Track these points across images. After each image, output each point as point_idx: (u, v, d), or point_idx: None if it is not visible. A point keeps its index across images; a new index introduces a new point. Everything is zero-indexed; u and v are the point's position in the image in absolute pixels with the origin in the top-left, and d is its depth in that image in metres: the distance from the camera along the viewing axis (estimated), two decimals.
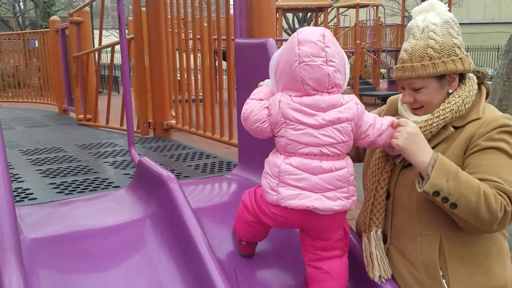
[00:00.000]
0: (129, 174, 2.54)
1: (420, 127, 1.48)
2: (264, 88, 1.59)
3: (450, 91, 1.51)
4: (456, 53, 1.47)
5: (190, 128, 3.46)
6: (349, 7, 19.49)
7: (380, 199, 1.57)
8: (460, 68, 1.48)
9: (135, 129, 4.03)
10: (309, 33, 1.40)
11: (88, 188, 2.30)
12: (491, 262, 1.49)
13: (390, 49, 18.35)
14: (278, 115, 1.41)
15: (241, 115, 1.52)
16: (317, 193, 1.41)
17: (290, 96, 1.41)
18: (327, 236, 1.52)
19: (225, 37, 3.13)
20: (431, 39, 1.48)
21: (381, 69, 17.94)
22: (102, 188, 2.29)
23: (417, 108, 1.56)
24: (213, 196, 2.26)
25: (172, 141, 3.64)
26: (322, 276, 1.53)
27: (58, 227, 1.81)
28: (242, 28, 2.39)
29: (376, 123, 1.47)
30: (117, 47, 3.50)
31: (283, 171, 1.42)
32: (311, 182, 1.41)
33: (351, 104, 1.43)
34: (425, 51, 1.47)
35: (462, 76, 1.53)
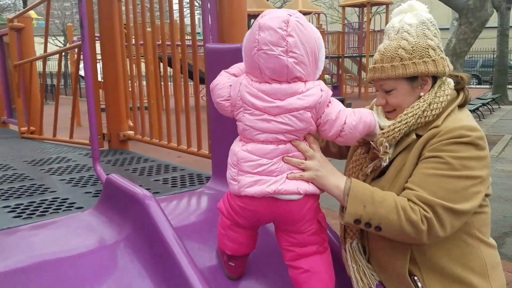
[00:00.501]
0: (91, 192, 2.32)
1: (383, 133, 1.45)
2: (243, 64, 1.48)
3: (422, 94, 1.46)
4: (429, 55, 1.43)
5: (152, 138, 3.26)
6: None
7: None
8: (432, 70, 1.43)
9: (85, 141, 3.77)
10: (271, 18, 1.30)
11: (48, 210, 2.05)
12: (471, 275, 1.43)
13: (332, 56, 18.76)
14: (237, 97, 1.37)
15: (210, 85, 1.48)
16: (276, 176, 1.36)
17: (251, 80, 1.36)
18: (300, 228, 1.42)
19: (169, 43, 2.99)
20: (404, 39, 1.43)
21: (325, 75, 18.28)
22: (64, 210, 2.06)
23: (389, 112, 1.51)
24: (191, 213, 2.09)
25: (131, 153, 3.41)
26: (303, 277, 1.43)
27: (20, 258, 1.58)
28: (213, 33, 2.25)
29: (338, 120, 1.37)
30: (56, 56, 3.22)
31: (240, 158, 1.37)
32: (269, 166, 1.35)
33: (314, 90, 1.34)
34: (396, 52, 1.43)
35: (436, 79, 1.47)
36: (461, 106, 1.50)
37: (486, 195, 1.46)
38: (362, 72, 18.69)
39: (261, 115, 1.34)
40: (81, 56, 3.87)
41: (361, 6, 18.59)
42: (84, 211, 2.00)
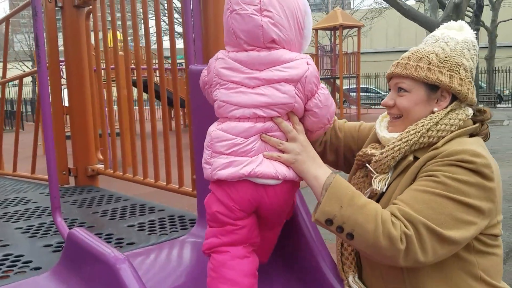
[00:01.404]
0: (52, 245, 1.90)
1: (382, 153, 1.35)
2: None
3: (436, 109, 1.35)
4: (459, 72, 1.33)
5: (125, 173, 2.86)
6: None
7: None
8: (455, 87, 1.32)
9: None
10: None
11: None
12: None
13: None
14: (213, 74, 1.29)
15: None
16: (252, 156, 1.25)
17: (228, 51, 1.28)
18: (280, 214, 1.37)
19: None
20: (440, 48, 1.35)
21: None
22: (17, 273, 1.63)
23: (395, 118, 1.40)
24: (172, 273, 1.68)
25: (101, 190, 2.98)
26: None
27: None
28: (198, 53, 1.92)
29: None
30: (26, 80, 2.84)
31: (213, 138, 1.27)
32: (244, 146, 1.25)
33: (299, 63, 1.24)
34: (428, 56, 1.34)
35: (455, 100, 1.36)
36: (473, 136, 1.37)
37: (495, 235, 1.30)
38: (336, 93, 18.67)
39: (237, 88, 1.24)
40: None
41: (333, 29, 18.71)
42: (41, 274, 1.59)
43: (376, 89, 28.65)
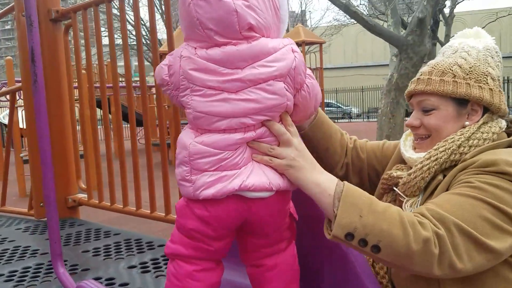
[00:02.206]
0: None
1: (409, 174, 1.24)
2: None
3: (467, 123, 1.24)
4: (487, 82, 1.23)
5: (113, 204, 2.56)
6: None
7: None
8: (487, 98, 1.22)
9: (25, 209, 2.99)
10: None
11: None
12: None
13: None
14: (180, 76, 1.04)
15: None
16: (241, 168, 1.05)
17: (194, 48, 1.03)
18: (271, 231, 1.15)
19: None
20: (462, 58, 1.25)
21: None
22: None
23: (422, 138, 1.29)
24: None
25: (85, 223, 2.67)
26: (268, 275, 1.16)
27: None
28: None
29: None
30: None
31: (193, 154, 1.04)
32: (232, 159, 1.04)
33: (285, 52, 1.03)
34: (450, 68, 1.24)
35: (486, 112, 1.25)
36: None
37: None
38: None
39: (218, 95, 1.01)
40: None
41: (296, 45, 18.92)
42: None
43: (337, 104, 29.09)
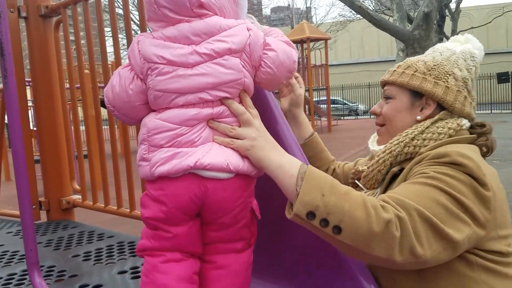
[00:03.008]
0: None
1: (368, 167, 1.33)
2: None
3: (419, 117, 1.30)
4: (447, 80, 1.29)
5: (107, 205, 2.47)
6: None
7: None
8: (438, 94, 1.28)
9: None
10: None
11: None
12: None
13: (276, 91, 18.53)
14: (140, 60, 1.06)
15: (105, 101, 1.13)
16: (198, 146, 1.04)
17: (150, 32, 1.09)
18: (228, 221, 1.11)
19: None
20: (432, 57, 1.34)
21: None
22: None
23: (380, 126, 1.39)
24: None
25: (79, 225, 2.58)
26: (214, 274, 1.12)
27: None
28: None
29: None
30: None
31: (151, 129, 1.06)
32: (189, 135, 1.04)
33: (239, 29, 1.07)
34: (416, 63, 1.34)
35: (442, 109, 1.30)
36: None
37: (501, 252, 1.14)
38: (306, 106, 18.62)
39: (174, 71, 1.03)
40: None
41: (300, 42, 18.76)
42: None
43: (343, 101, 28.89)
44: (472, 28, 25.89)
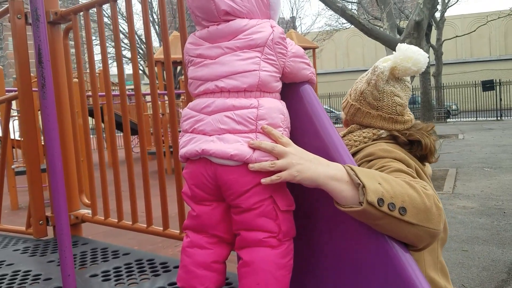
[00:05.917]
0: None
1: None
2: None
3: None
4: (350, 95, 1.64)
5: (120, 220, 2.35)
6: None
7: None
8: (346, 112, 1.65)
9: (22, 227, 2.76)
10: None
11: None
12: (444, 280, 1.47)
13: None
14: (185, 54, 1.28)
15: None
16: (211, 135, 1.15)
17: (194, 34, 1.27)
18: (244, 202, 1.14)
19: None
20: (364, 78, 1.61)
21: None
22: None
23: None
24: None
25: (89, 242, 2.45)
26: (241, 272, 1.15)
27: None
28: None
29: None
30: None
31: (182, 116, 1.23)
32: (205, 123, 1.16)
33: (261, 27, 1.16)
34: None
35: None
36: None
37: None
38: None
39: (202, 62, 1.20)
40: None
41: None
42: None
43: (330, 109, 29.01)
44: (456, 36, 26.31)
